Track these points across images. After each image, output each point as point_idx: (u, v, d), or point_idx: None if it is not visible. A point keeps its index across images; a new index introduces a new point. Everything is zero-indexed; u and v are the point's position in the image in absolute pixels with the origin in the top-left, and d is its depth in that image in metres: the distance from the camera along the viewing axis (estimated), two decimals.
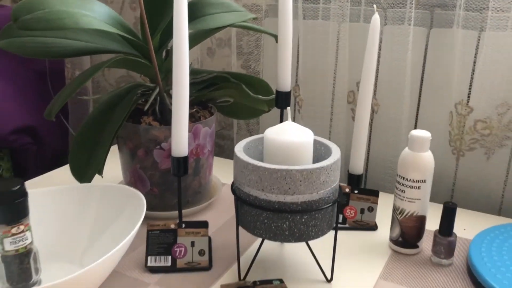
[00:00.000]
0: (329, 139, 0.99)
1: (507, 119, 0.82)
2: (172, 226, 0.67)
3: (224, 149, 1.19)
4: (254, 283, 0.63)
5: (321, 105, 0.98)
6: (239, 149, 0.62)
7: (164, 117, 0.76)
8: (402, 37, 0.87)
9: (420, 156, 0.66)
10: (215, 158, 1.06)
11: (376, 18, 0.69)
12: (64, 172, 0.97)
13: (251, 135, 1.13)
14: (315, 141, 0.65)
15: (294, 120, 1.01)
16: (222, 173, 0.96)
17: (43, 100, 1.20)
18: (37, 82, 1.21)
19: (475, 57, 0.82)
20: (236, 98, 0.83)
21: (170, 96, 0.77)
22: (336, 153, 0.60)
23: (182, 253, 0.66)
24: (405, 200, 0.67)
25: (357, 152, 0.77)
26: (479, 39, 0.82)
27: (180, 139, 0.64)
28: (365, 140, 0.76)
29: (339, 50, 0.94)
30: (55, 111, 0.68)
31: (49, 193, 0.68)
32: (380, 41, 0.89)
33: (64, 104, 1.23)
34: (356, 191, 0.77)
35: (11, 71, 1.15)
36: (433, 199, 0.90)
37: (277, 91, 0.75)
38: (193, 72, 0.81)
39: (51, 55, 0.68)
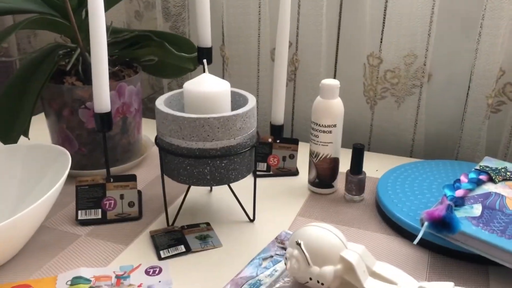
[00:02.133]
0: (257, 96, 1.03)
1: (413, 68, 0.89)
2: (101, 181, 0.70)
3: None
4: (182, 227, 0.67)
5: (247, 63, 1.01)
6: (160, 102, 0.65)
7: (88, 76, 0.77)
8: None
9: (330, 103, 0.71)
10: (148, 120, 1.08)
11: None
12: None
13: None
14: (233, 92, 0.69)
15: (222, 77, 1.04)
16: (154, 134, 0.99)
17: None
18: None
19: (384, 13, 0.88)
20: (160, 57, 0.84)
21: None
22: (252, 102, 0.65)
23: (112, 206, 0.69)
24: (319, 144, 0.73)
25: (277, 104, 0.82)
26: None
27: (101, 95, 0.65)
28: (283, 91, 0.81)
29: (261, 8, 0.97)
30: None
31: None
32: (299, 0, 0.93)
33: None
34: (278, 141, 0.82)
35: None
36: (350, 147, 0.97)
37: (198, 47, 0.78)
38: (114, 31, 0.82)
39: None
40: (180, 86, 1.14)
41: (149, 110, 1.21)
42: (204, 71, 0.65)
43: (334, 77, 0.97)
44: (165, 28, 1.12)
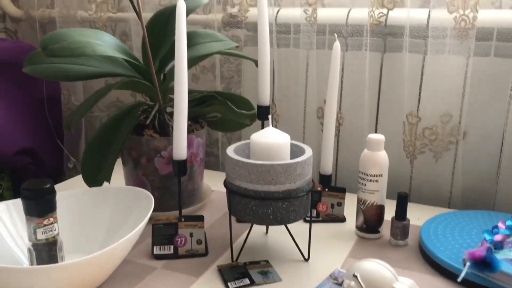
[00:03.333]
0: None
1: (449, 127, 0.98)
2: (174, 220, 0.79)
3: (210, 164, 1.32)
4: (245, 263, 0.75)
5: (295, 120, 1.13)
6: (230, 150, 0.75)
7: (163, 130, 0.89)
8: (360, 61, 1.03)
9: (377, 155, 0.81)
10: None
11: (337, 45, 0.85)
12: (65, 186, 1.07)
13: None
14: (291, 143, 0.79)
15: None
16: (210, 182, 1.09)
17: (41, 124, 1.32)
18: (35, 107, 1.32)
19: (421, 75, 0.99)
20: (223, 114, 0.96)
21: (167, 113, 0.91)
22: (308, 152, 0.75)
23: (183, 243, 0.78)
24: (366, 192, 0.82)
25: (326, 156, 0.92)
26: (423, 61, 0.99)
27: (180, 145, 0.77)
28: (332, 145, 0.91)
29: (308, 73, 1.09)
30: (74, 124, 0.80)
31: (73, 194, 0.80)
32: (343, 65, 1.06)
33: (61, 130, 1.35)
34: (327, 189, 0.91)
35: (12, 97, 1.26)
36: (393, 197, 1.04)
37: (258, 106, 0.89)
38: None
39: (70, 78, 0.81)
40: (229, 141, 1.25)
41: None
42: (263, 126, 0.76)
43: (375, 132, 1.07)
44: (220, 89, 1.25)
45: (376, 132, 1.07)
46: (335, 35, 0.85)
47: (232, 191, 0.73)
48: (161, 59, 0.88)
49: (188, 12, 0.89)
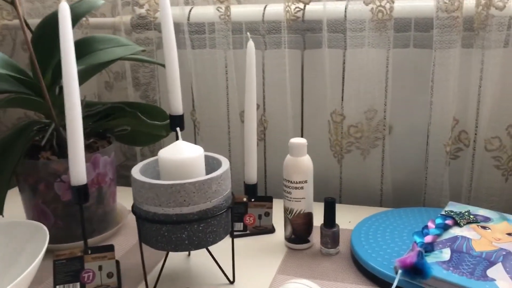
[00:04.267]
0: (229, 157, 1.06)
1: (375, 122, 0.95)
2: (79, 253, 0.69)
3: (130, 181, 1.22)
4: None
5: (218, 126, 1.05)
6: (135, 171, 0.67)
7: (62, 149, 0.79)
8: (280, 59, 0.97)
9: (300, 160, 0.75)
10: (122, 188, 1.08)
11: (251, 44, 0.78)
12: None
13: None
14: (206, 156, 0.72)
15: (194, 141, 1.08)
16: (128, 201, 0.99)
17: None
18: None
19: (343, 71, 0.95)
20: (134, 126, 0.87)
21: (65, 131, 0.80)
22: (225, 164, 0.67)
23: (91, 278, 0.69)
24: (292, 200, 0.76)
25: (249, 164, 0.85)
26: (344, 56, 0.94)
27: (77, 168, 0.67)
28: (255, 152, 0.85)
29: (228, 75, 1.02)
30: None
31: None
32: (263, 65, 0.99)
33: None
34: (252, 200, 0.84)
35: None
36: (322, 199, 1.00)
37: (170, 115, 0.81)
38: (87, 105, 0.85)
39: None
40: (152, 152, 1.16)
41: (122, 177, 1.21)
42: (177, 138, 0.68)
43: (302, 134, 1.02)
44: (136, 97, 1.15)
45: (302, 134, 1.02)
46: (248, 34, 0.79)
47: (141, 217, 0.64)
48: (53, 71, 0.78)
49: (81, 15, 0.79)
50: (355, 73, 0.94)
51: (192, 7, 1.04)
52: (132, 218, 0.91)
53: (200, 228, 0.63)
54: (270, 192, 1.06)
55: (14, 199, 0.91)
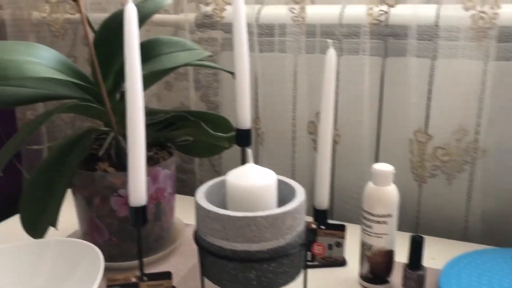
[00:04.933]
0: (293, 172, 0.97)
1: (464, 144, 0.83)
2: (133, 279, 0.63)
3: (187, 184, 1.16)
4: None
5: (283, 136, 0.97)
6: (200, 195, 0.59)
7: (121, 161, 0.73)
8: (358, 67, 0.87)
9: (385, 190, 0.65)
10: (176, 195, 1.03)
11: (331, 53, 0.69)
12: (16, 223, 0.91)
13: (213, 168, 1.11)
14: (278, 180, 0.63)
15: (257, 152, 1.00)
16: (184, 212, 0.93)
17: None
18: None
19: (430, 84, 0.84)
20: (196, 136, 0.80)
21: (125, 140, 0.74)
22: (300, 195, 0.59)
23: None
24: (373, 236, 0.66)
25: (321, 186, 0.76)
26: (432, 67, 0.83)
27: (138, 187, 0.60)
28: (328, 173, 0.75)
29: (297, 82, 0.93)
30: (2, 165, 0.63)
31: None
32: (338, 73, 0.90)
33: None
34: (323, 227, 0.75)
35: None
36: (398, 227, 0.89)
37: (237, 129, 0.73)
38: (149, 113, 0.78)
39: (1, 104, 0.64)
40: (209, 159, 1.09)
41: (177, 180, 1.16)
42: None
43: (377, 152, 0.91)
44: (196, 99, 1.09)
45: (378, 151, 0.91)
46: (329, 41, 0.69)
47: (204, 249, 0.57)
48: (115, 75, 0.72)
49: (148, 15, 0.73)
50: (445, 87, 0.82)
51: (261, 7, 0.96)
52: (190, 233, 0.85)
53: (271, 268, 0.55)
54: (336, 215, 0.96)
55: (69, 210, 0.87)
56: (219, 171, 1.08)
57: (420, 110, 0.84)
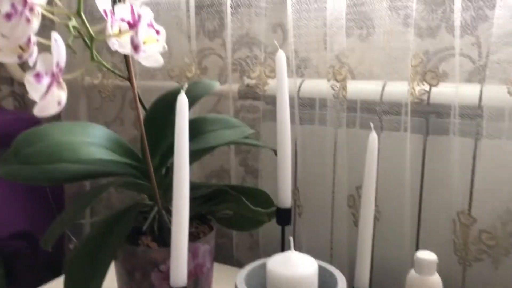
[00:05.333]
0: (331, 245, 0.96)
1: (510, 227, 0.80)
2: None
3: (222, 247, 1.16)
4: None
5: (321, 209, 0.97)
6: (240, 280, 0.60)
7: (163, 235, 0.74)
8: (398, 144, 0.87)
9: (428, 281, 0.64)
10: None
11: (373, 137, 0.70)
12: (59, 286, 0.93)
13: (250, 233, 1.11)
14: (319, 266, 0.63)
15: (295, 223, 1.00)
16: (221, 283, 0.92)
17: (41, 204, 1.19)
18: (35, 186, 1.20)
19: (473, 165, 0.83)
20: (236, 210, 0.81)
21: (169, 213, 0.76)
22: (342, 284, 0.58)
23: None
24: None
25: (362, 267, 0.75)
26: (475, 147, 0.82)
27: (179, 268, 0.61)
28: (369, 254, 0.74)
29: (337, 155, 0.94)
30: (52, 240, 0.66)
31: None
32: (378, 149, 0.90)
33: (63, 207, 1.22)
34: None
35: None
36: None
37: (277, 208, 0.74)
38: (192, 187, 0.80)
39: (50, 181, 0.67)
40: None
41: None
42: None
43: (418, 230, 0.89)
44: (236, 163, 1.11)
45: (418, 229, 0.89)
46: (371, 124, 0.70)
47: None
48: (163, 152, 0.75)
49: (197, 98, 0.76)
50: (489, 168, 0.81)
51: (303, 80, 0.99)
52: None
53: None
54: None
55: (111, 282, 0.88)
56: (257, 239, 1.08)
57: (463, 191, 0.83)
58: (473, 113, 0.82)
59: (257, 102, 1.07)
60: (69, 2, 0.77)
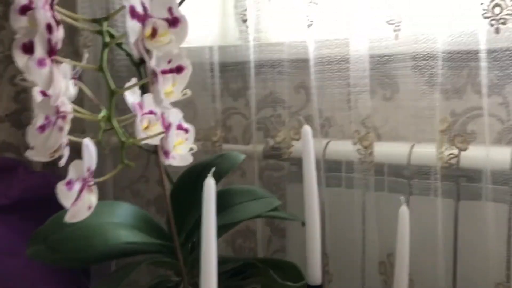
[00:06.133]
0: None
1: None
2: None
3: None
4: None
5: (351, 277, 0.94)
6: None
7: None
8: (428, 209, 0.85)
9: None
10: None
11: (404, 210, 0.68)
12: None
13: None
14: None
15: None
16: None
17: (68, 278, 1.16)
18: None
19: (509, 232, 0.79)
20: (265, 284, 0.80)
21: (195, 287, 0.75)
22: None
23: None
24: None
25: None
26: (511, 213, 0.79)
27: None
28: None
29: (366, 219, 0.92)
30: None
31: None
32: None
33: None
34: None
35: None
36: None
37: (308, 285, 0.72)
38: (219, 262, 0.79)
39: (79, 263, 0.67)
40: None
41: None
42: None
43: None
44: (262, 222, 1.10)
45: None
46: (402, 198, 0.69)
47: None
48: (189, 229, 0.74)
49: (224, 174, 0.76)
50: None
51: (328, 141, 0.98)
52: None
53: None
54: None
55: None
56: None
57: (500, 260, 0.79)
58: (505, 178, 0.80)
59: (282, 162, 1.07)
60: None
